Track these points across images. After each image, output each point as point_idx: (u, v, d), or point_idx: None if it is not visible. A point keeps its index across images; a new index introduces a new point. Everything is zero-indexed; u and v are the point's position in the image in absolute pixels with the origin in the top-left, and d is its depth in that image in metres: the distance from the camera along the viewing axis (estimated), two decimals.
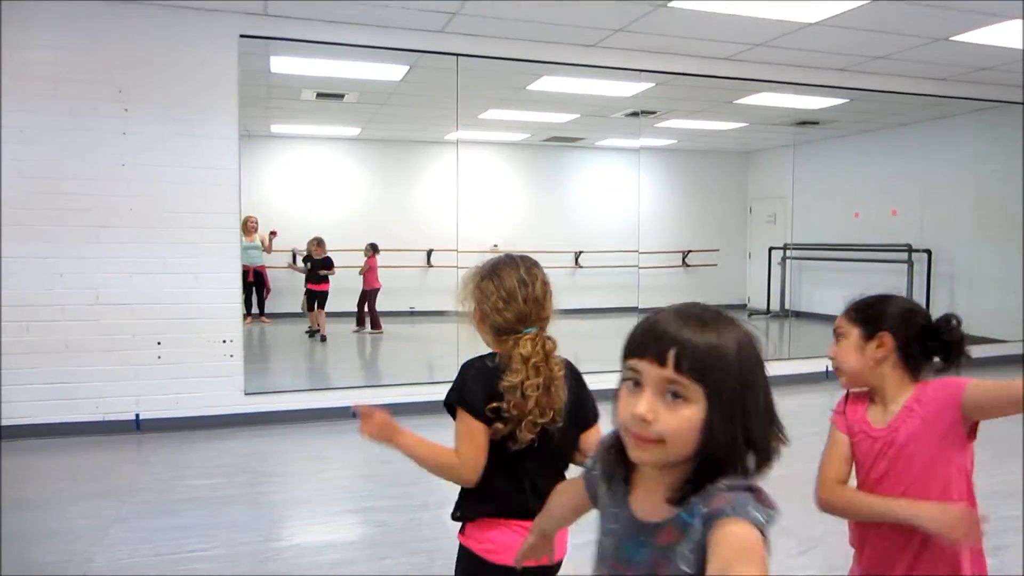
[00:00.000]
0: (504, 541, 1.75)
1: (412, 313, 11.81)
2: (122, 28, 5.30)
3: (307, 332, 9.92)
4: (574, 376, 1.85)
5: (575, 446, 1.85)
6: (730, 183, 13.59)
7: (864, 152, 11.14)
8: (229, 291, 5.70)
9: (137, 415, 5.45)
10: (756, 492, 1.00)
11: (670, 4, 5.33)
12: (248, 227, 9.27)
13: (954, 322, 1.76)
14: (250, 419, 5.66)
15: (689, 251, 13.03)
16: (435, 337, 9.64)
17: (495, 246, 11.49)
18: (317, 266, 9.61)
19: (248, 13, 5.54)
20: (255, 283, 10.13)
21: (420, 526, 3.90)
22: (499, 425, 1.70)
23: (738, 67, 7.05)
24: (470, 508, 1.82)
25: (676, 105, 9.37)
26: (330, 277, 9.70)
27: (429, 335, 10.60)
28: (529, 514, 1.61)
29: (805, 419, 6.51)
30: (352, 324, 10.41)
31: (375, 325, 10.32)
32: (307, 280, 9.82)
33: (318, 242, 9.64)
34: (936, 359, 1.76)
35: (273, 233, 10.25)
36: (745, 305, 13.33)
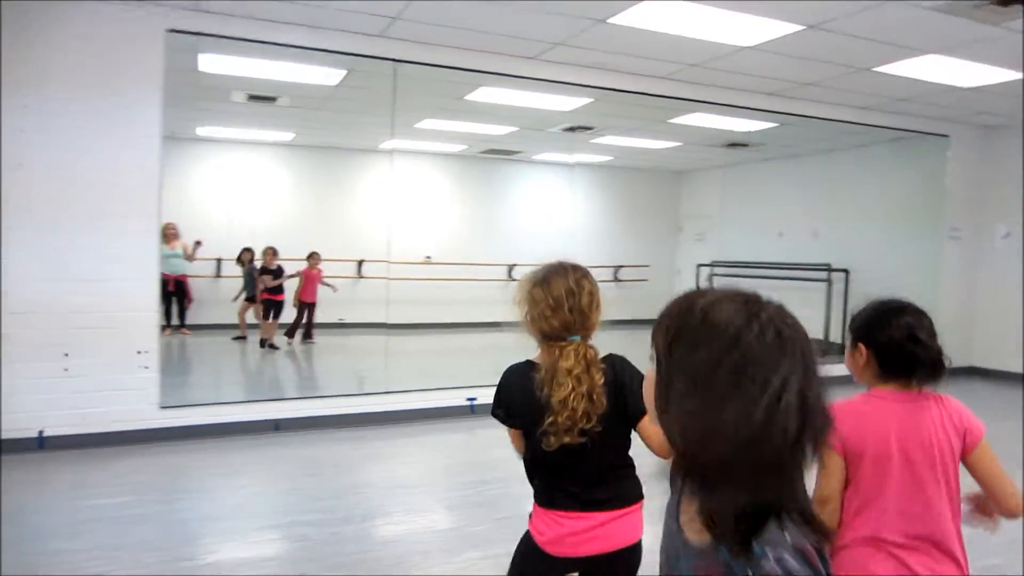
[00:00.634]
0: (543, 527, 1.95)
1: (342, 325, 11.55)
2: (39, 16, 4.98)
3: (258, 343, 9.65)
4: (615, 372, 1.94)
5: (623, 440, 1.99)
6: (662, 201, 13.82)
7: (790, 175, 11.49)
8: (145, 300, 5.38)
9: (41, 432, 5.06)
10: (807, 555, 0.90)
11: (609, 20, 5.35)
12: (168, 234, 8.88)
13: (920, 337, 1.79)
14: (166, 434, 5.36)
15: (621, 266, 13.17)
16: (365, 349, 9.45)
17: (428, 258, 11.39)
18: (271, 276, 9.50)
19: (176, 7, 5.30)
20: (176, 293, 9.71)
21: (343, 540, 3.76)
22: (552, 439, 1.85)
23: (674, 86, 7.15)
24: (535, 494, 2.02)
25: (612, 122, 9.46)
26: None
27: (359, 347, 10.38)
28: (568, 507, 1.88)
29: None
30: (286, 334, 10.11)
31: (308, 336, 10.07)
32: (264, 289, 9.59)
33: (273, 252, 9.49)
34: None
35: (198, 243, 9.83)
36: None
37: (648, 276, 13.30)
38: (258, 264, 9.76)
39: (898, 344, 1.79)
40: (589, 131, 9.82)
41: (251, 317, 9.88)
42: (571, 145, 10.68)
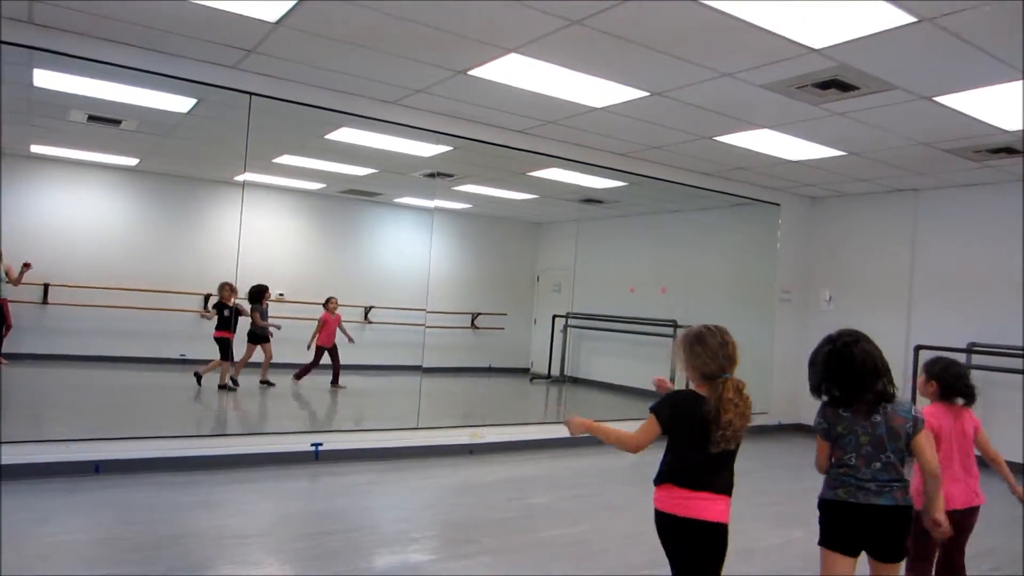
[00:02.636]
0: (676, 503, 2.65)
1: (183, 361, 10.90)
2: None
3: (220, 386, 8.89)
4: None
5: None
6: (520, 251, 14.13)
7: (640, 233, 12.09)
8: None
9: None
10: None
11: (469, 72, 5.49)
12: None
13: (963, 381, 3.40)
14: None
15: (478, 314, 13.28)
16: (207, 388, 8.93)
17: (281, 295, 11.01)
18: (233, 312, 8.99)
19: (9, 17, 4.93)
20: None
21: None
22: (720, 446, 2.60)
23: (530, 140, 7.40)
24: (670, 478, 2.69)
25: (472, 171, 9.63)
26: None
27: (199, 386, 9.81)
28: (708, 488, 2.65)
29: (574, 481, 6.67)
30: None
31: (335, 381, 9.83)
32: (217, 327, 8.99)
33: (230, 287, 8.84)
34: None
35: (27, 265, 8.99)
36: (528, 369, 13.75)
37: (505, 325, 13.49)
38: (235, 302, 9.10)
39: (953, 382, 3.38)
40: (449, 178, 9.95)
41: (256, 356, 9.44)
42: (431, 191, 10.75)
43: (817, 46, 4.52)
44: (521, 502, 5.51)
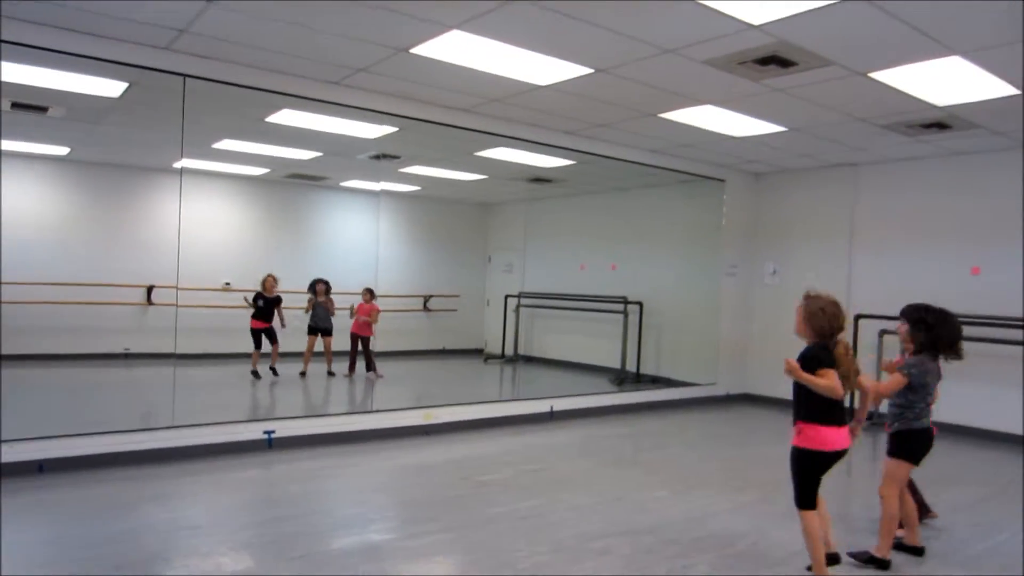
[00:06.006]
0: (820, 437, 3.45)
1: (127, 356, 10.63)
2: None
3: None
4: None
5: None
6: (471, 232, 14.09)
7: (589, 211, 12.17)
8: None
9: None
10: None
11: (411, 51, 5.41)
12: None
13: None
14: None
15: (431, 296, 13.21)
16: (152, 381, 8.72)
17: (227, 284, 10.80)
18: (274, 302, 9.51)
19: None
20: None
21: None
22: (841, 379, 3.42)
23: (476, 119, 7.35)
24: (813, 416, 3.48)
25: (418, 152, 9.54)
26: None
27: (144, 378, 9.57)
28: (827, 422, 3.44)
29: (528, 457, 6.72)
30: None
31: (369, 367, 9.83)
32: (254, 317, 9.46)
33: (273, 279, 9.51)
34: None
35: None
36: (482, 350, 13.77)
37: (458, 306, 13.46)
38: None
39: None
40: (396, 160, 9.83)
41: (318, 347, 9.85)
42: (378, 173, 10.62)
43: (756, 22, 4.58)
44: (476, 479, 5.53)
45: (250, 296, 9.55)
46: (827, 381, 3.35)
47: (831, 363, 3.39)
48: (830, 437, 3.40)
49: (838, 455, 3.45)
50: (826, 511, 3.71)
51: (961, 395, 7.04)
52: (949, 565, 4.07)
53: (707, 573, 3.83)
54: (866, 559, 3.96)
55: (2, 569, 3.62)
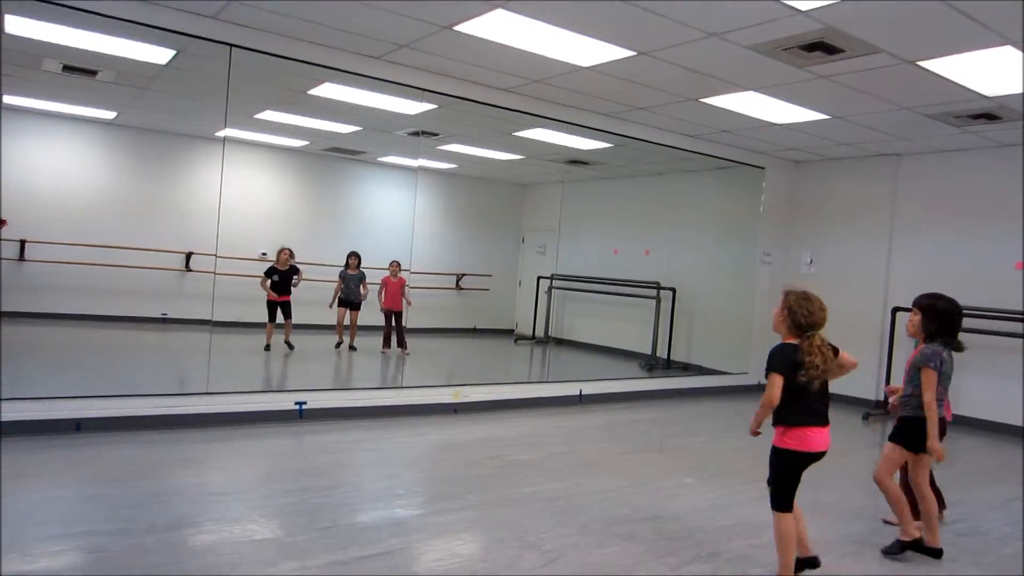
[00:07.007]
0: (797, 438, 3.37)
1: (164, 320, 10.85)
2: None
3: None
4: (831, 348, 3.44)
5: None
6: (506, 212, 14.07)
7: (625, 195, 12.07)
8: None
9: None
10: None
11: (455, 28, 5.40)
12: None
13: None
14: None
15: (463, 275, 13.26)
16: (189, 347, 8.90)
17: (263, 254, 10.93)
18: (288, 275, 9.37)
19: None
20: None
21: (144, 551, 3.47)
22: (803, 378, 3.28)
23: (516, 99, 7.32)
24: (786, 420, 3.38)
25: (457, 130, 9.53)
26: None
27: (182, 345, 9.77)
28: (810, 424, 3.36)
29: (556, 439, 6.73)
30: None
31: (400, 344, 9.80)
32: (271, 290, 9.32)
33: (290, 252, 9.31)
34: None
35: (3, 222, 8.86)
36: (513, 331, 13.80)
37: (490, 286, 13.49)
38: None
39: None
40: (434, 137, 9.84)
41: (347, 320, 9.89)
42: (416, 150, 10.64)
43: (804, 8, 4.48)
44: (504, 459, 5.57)
45: (264, 272, 9.47)
46: (767, 391, 3.32)
47: (783, 368, 3.31)
48: (814, 438, 3.36)
49: (819, 456, 3.41)
50: (801, 514, 3.62)
51: (1009, 392, 6.90)
52: (981, 566, 4.02)
53: (731, 561, 3.83)
54: (898, 550, 3.97)
55: (19, 524, 3.73)
